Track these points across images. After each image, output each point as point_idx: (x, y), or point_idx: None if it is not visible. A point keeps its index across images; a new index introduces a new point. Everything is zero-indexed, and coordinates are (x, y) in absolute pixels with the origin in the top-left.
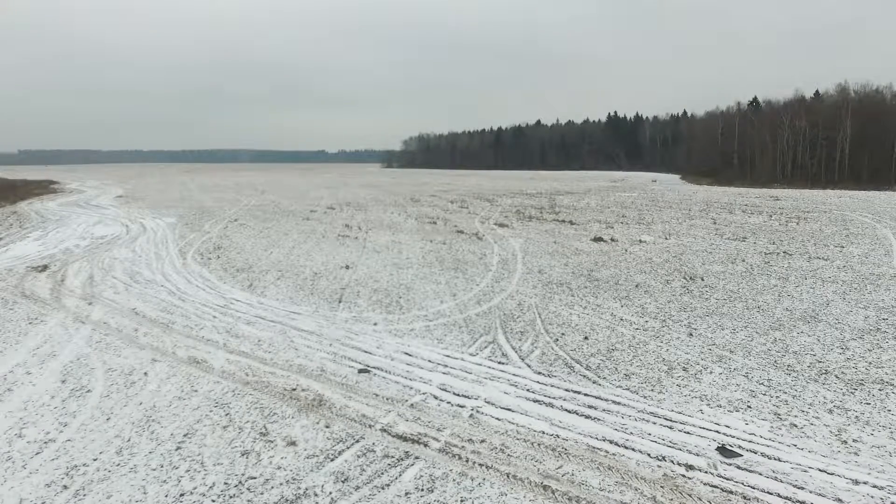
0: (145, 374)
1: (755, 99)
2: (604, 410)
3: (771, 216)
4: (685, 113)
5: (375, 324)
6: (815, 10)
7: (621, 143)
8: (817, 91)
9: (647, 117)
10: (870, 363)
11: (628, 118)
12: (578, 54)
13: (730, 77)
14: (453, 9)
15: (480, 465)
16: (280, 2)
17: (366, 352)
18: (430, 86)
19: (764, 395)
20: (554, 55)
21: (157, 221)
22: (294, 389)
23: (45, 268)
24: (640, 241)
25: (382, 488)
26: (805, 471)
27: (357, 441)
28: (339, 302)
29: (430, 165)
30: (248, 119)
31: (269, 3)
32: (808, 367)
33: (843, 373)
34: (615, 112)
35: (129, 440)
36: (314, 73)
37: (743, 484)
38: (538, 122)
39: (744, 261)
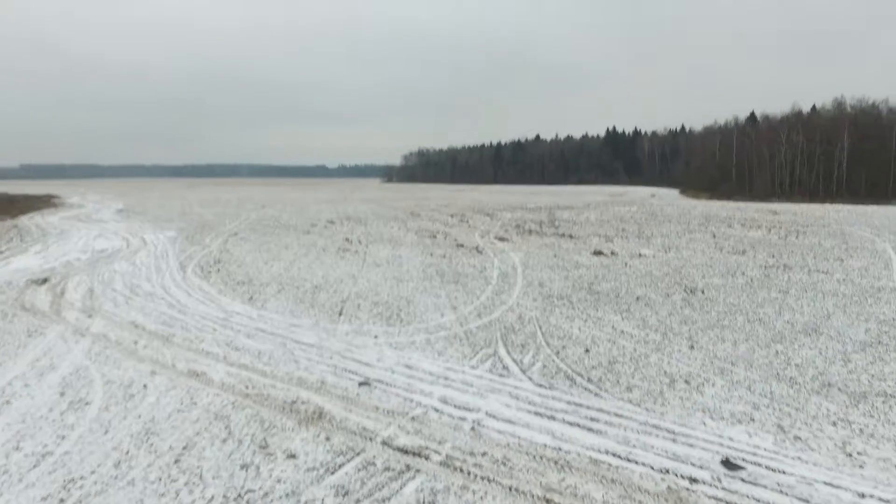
0: (144, 386)
1: (752, 113)
2: (606, 423)
3: (770, 230)
4: (683, 128)
5: (376, 336)
6: (811, 22)
7: (620, 158)
8: (814, 105)
9: (645, 132)
10: (872, 376)
11: (627, 133)
12: (577, 68)
13: (727, 91)
14: (454, 25)
15: (482, 478)
16: (280, 19)
17: (366, 364)
18: (430, 101)
19: (767, 407)
20: (553, 69)
21: (157, 235)
22: (294, 402)
23: (45, 281)
24: (640, 254)
25: (383, 501)
26: (810, 483)
27: (357, 454)
28: (340, 315)
29: (430, 180)
30: (248, 134)
31: (269, 21)
32: (811, 379)
33: (846, 385)
34: (613, 127)
35: (127, 453)
36: (314, 88)
37: (748, 497)
38: (537, 136)
39: (744, 274)
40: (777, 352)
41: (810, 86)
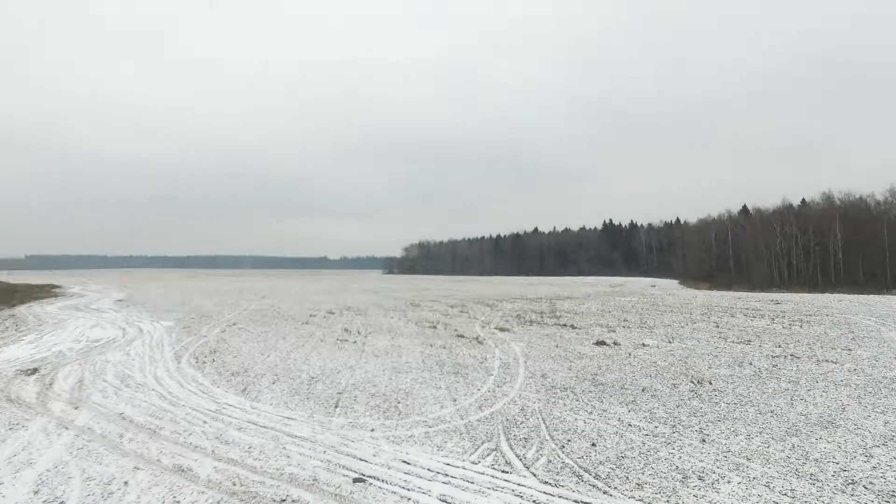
0: (125, 483)
1: (745, 206)
2: None
3: (773, 319)
4: (678, 220)
5: (373, 430)
6: (785, 127)
7: (618, 250)
8: (804, 199)
9: (641, 224)
10: None
11: (623, 225)
12: (573, 164)
13: (718, 185)
14: (453, 129)
15: None
16: (280, 122)
17: (362, 459)
18: (431, 195)
19: None
20: (550, 165)
21: (154, 325)
22: (283, 500)
23: (34, 371)
24: (644, 344)
25: None
26: None
27: None
28: (336, 407)
29: (431, 272)
30: (250, 226)
31: (270, 123)
32: (833, 476)
33: (871, 483)
34: (610, 220)
35: None
36: (315, 183)
37: None
38: (535, 229)
39: (751, 364)
40: (793, 446)
41: (797, 182)
